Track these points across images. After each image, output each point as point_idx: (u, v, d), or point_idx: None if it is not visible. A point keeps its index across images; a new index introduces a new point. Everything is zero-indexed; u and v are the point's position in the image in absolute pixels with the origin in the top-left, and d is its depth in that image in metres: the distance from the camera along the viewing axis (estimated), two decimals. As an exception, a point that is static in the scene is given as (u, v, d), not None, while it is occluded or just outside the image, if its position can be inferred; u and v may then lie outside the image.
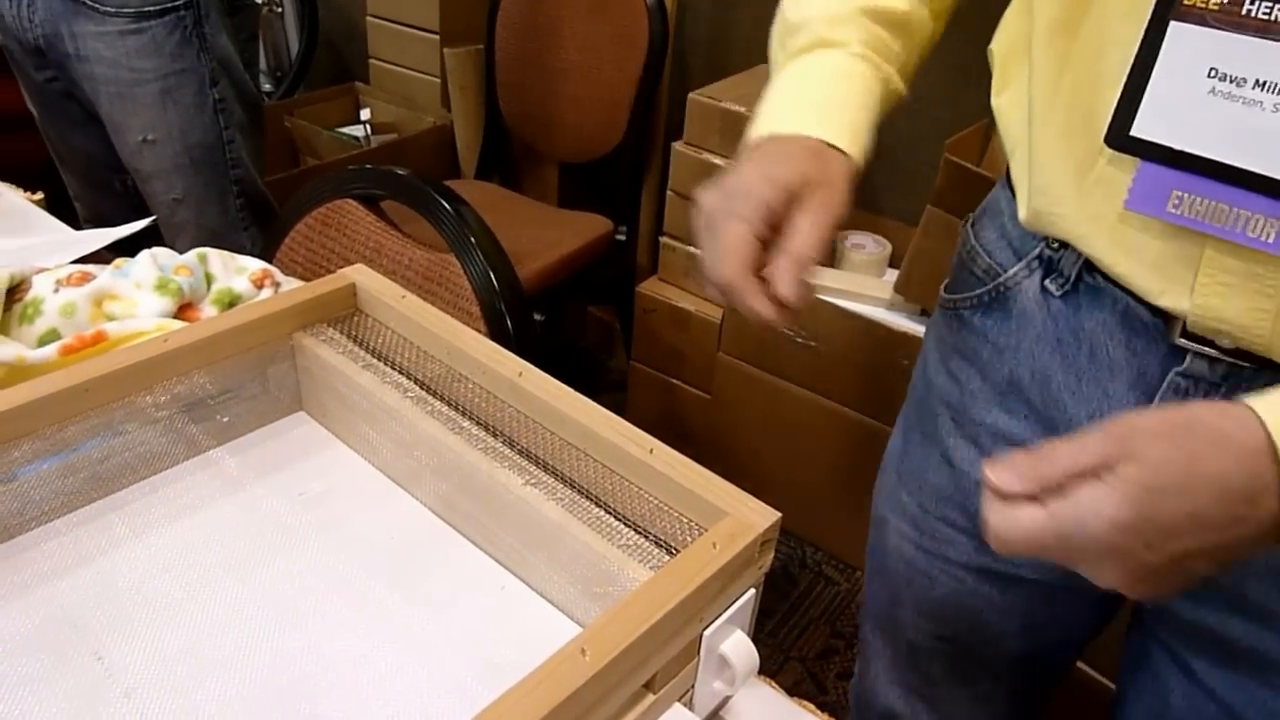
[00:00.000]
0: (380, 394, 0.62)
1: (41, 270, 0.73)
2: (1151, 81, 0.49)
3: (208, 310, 0.73)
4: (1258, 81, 0.45)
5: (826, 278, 1.77)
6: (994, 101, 0.62)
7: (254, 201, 1.39)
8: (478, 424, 0.60)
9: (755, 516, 0.51)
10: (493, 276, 0.76)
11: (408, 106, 2.29)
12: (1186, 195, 0.49)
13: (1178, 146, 0.48)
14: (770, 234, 0.54)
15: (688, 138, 1.80)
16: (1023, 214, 0.59)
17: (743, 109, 1.70)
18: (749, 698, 0.56)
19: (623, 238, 1.98)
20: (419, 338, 0.65)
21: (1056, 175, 0.55)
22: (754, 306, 0.53)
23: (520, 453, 0.58)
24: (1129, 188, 0.50)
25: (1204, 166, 0.48)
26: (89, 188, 1.48)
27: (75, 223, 1.58)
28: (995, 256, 0.64)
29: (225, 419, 0.65)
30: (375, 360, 0.65)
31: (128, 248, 1.39)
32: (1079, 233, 0.55)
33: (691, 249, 1.88)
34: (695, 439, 1.89)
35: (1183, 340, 0.53)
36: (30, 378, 0.57)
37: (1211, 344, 0.53)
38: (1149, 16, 0.48)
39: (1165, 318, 0.54)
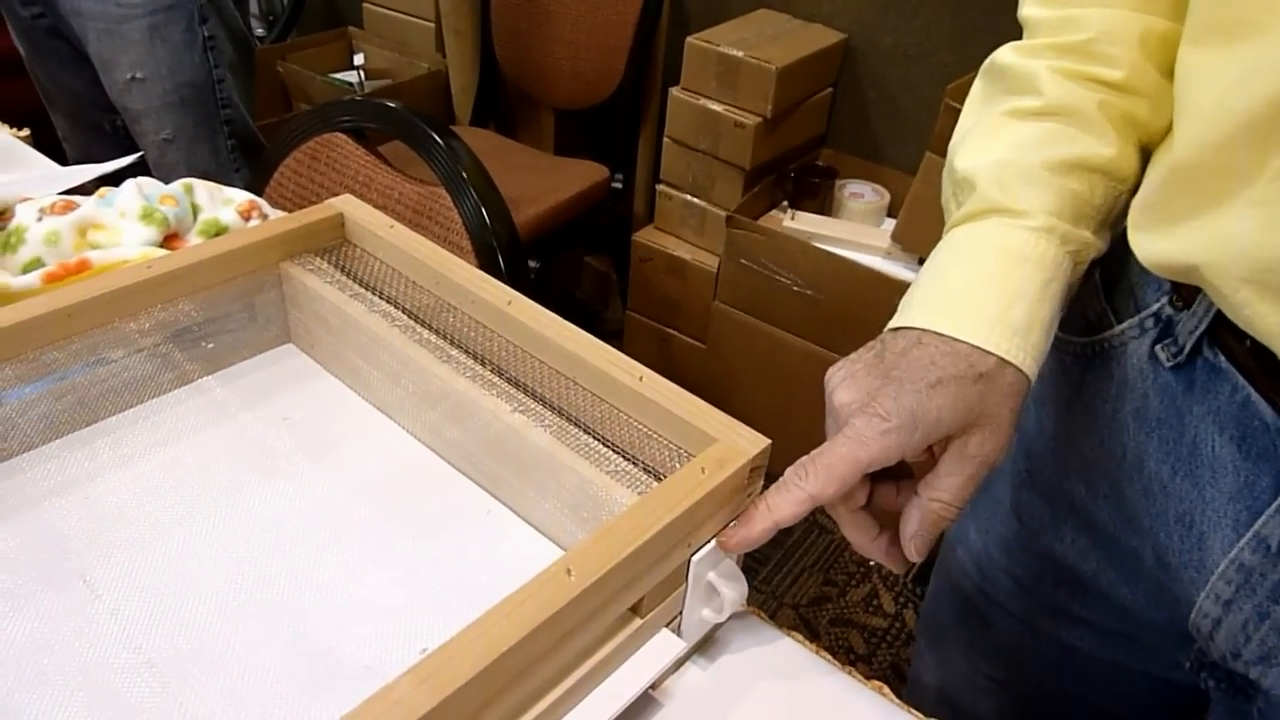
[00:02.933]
0: (368, 322, 0.61)
1: (25, 200, 0.72)
2: None
3: (193, 241, 0.72)
4: None
5: (824, 227, 1.76)
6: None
7: (245, 142, 1.38)
8: (466, 353, 0.60)
9: (745, 443, 0.51)
10: (485, 212, 0.75)
11: (402, 51, 2.26)
12: None
13: None
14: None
15: (685, 83, 1.77)
16: (1134, 238, 0.49)
17: (741, 53, 1.67)
18: (737, 628, 0.56)
19: (619, 185, 1.96)
20: (407, 267, 0.65)
21: (1194, 196, 0.44)
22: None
23: (509, 381, 0.58)
24: None
25: None
26: (78, 128, 1.46)
27: (64, 163, 1.57)
28: (1113, 300, 0.54)
29: (212, 347, 0.65)
30: (363, 290, 0.64)
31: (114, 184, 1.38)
32: (1206, 258, 0.43)
33: (689, 197, 1.86)
34: (691, 388, 1.89)
35: None
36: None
37: None
38: None
39: None
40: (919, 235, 1.62)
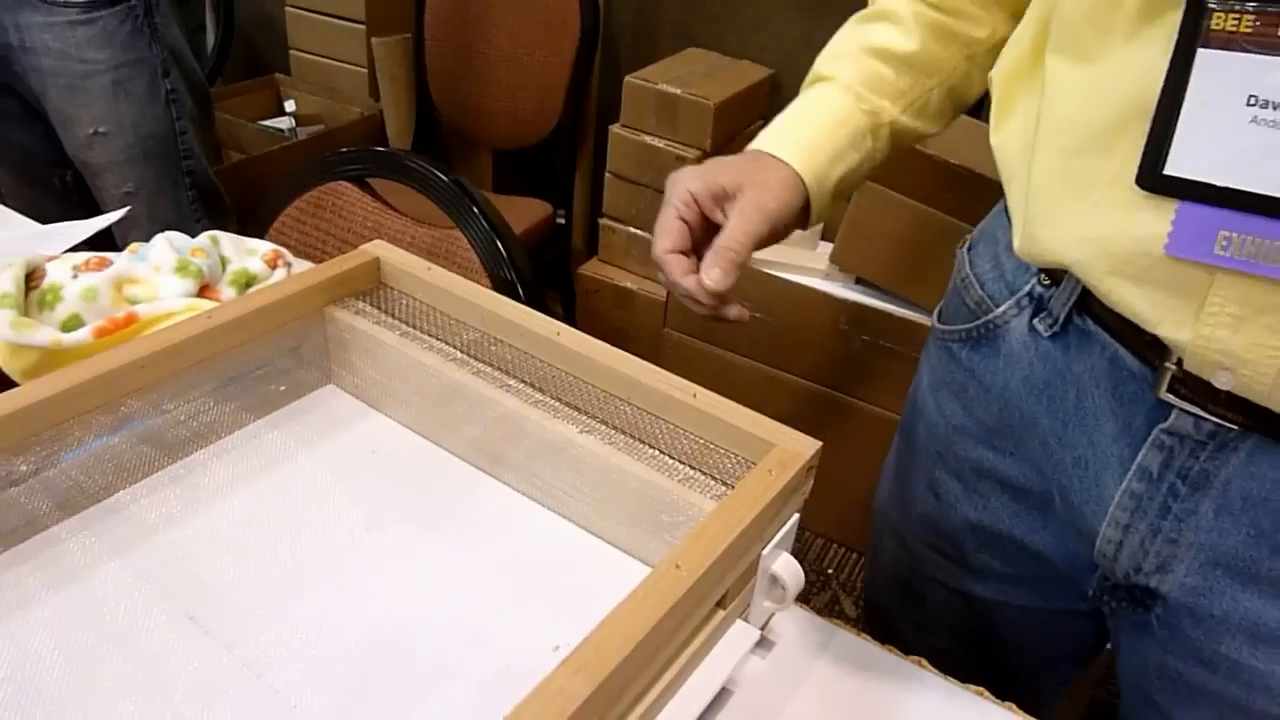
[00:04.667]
0: (422, 357, 0.65)
1: (51, 258, 0.73)
2: (1183, 115, 0.45)
3: (226, 291, 0.74)
4: None
5: (765, 252, 1.84)
6: (992, 140, 0.61)
7: (206, 193, 1.38)
8: (521, 381, 0.64)
9: (800, 446, 0.56)
10: (499, 244, 0.79)
11: (333, 97, 2.27)
12: (1236, 236, 0.44)
13: (1221, 183, 0.44)
14: (705, 225, 0.61)
15: (625, 120, 1.84)
16: (1017, 241, 0.57)
17: (678, 90, 1.75)
18: (785, 618, 0.62)
19: (562, 221, 2.01)
20: (450, 306, 0.68)
21: (1058, 200, 0.53)
22: (675, 280, 0.60)
23: (568, 405, 0.62)
24: (1168, 232, 0.46)
25: (1254, 203, 0.43)
26: (24, 184, 1.44)
27: (9, 222, 1.54)
28: (988, 288, 0.64)
29: (263, 392, 0.67)
30: (409, 328, 0.68)
31: (85, 244, 1.36)
32: (1075, 258, 0.52)
33: (633, 229, 1.93)
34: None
35: (1168, 395, 0.51)
36: (66, 362, 0.59)
37: (1198, 401, 0.50)
38: (1173, 44, 0.44)
39: (1153, 369, 0.52)
40: (856, 256, 1.72)
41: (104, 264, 0.72)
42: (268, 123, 2.26)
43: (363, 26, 2.13)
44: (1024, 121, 0.58)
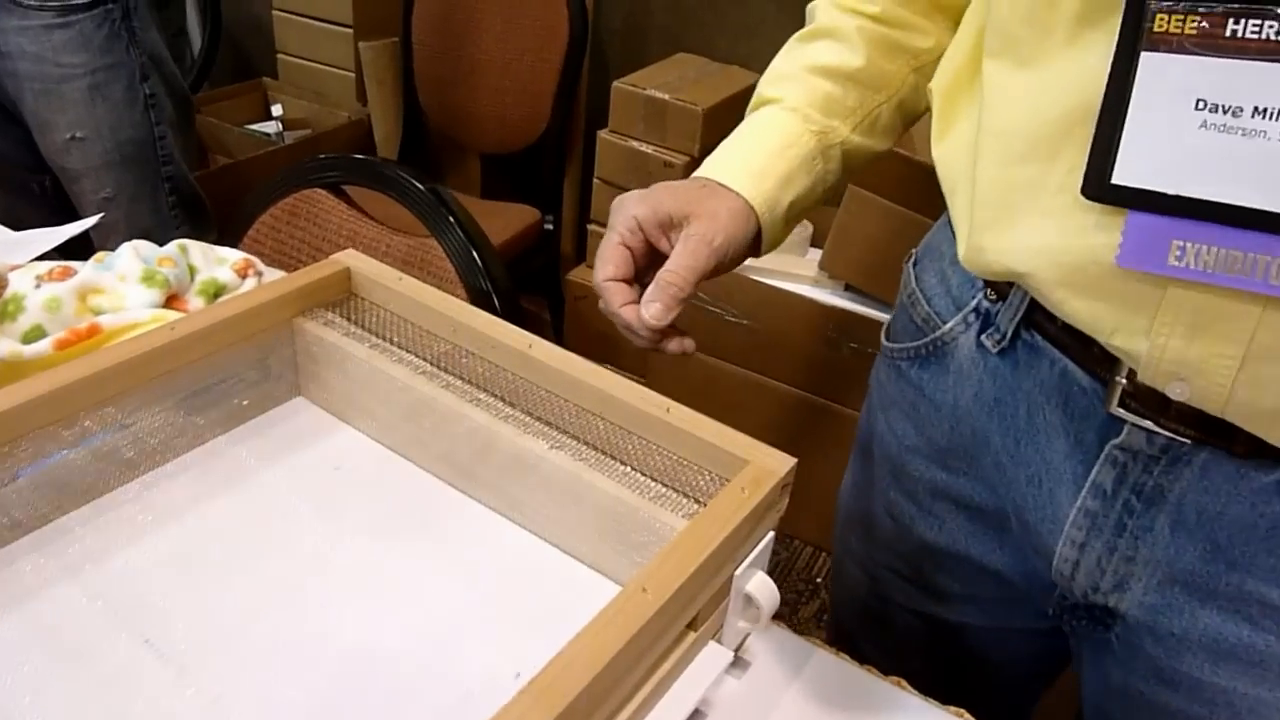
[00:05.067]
0: (391, 370, 0.63)
1: (15, 267, 0.72)
2: (1128, 121, 0.43)
3: (194, 301, 0.73)
4: (1257, 109, 0.40)
5: (753, 259, 1.83)
6: (934, 151, 0.60)
7: (186, 199, 1.37)
8: (492, 395, 0.62)
9: (775, 463, 0.55)
10: (475, 254, 0.78)
11: (320, 102, 2.26)
12: (1190, 245, 0.43)
13: (1172, 191, 0.42)
14: (650, 253, 0.59)
15: (613, 125, 1.83)
16: (962, 251, 0.56)
17: (666, 96, 1.74)
18: (762, 638, 0.60)
19: (550, 227, 2.00)
20: (421, 317, 0.67)
21: (1003, 209, 0.51)
22: (614, 311, 0.58)
23: (539, 420, 0.60)
24: (1119, 243, 0.44)
25: (1208, 211, 0.42)
26: (3, 190, 1.42)
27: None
28: (934, 304, 0.63)
29: (227, 404, 0.66)
30: (379, 340, 0.66)
31: (56, 252, 1.35)
32: (1024, 269, 0.50)
33: (620, 235, 1.91)
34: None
35: (1119, 410, 0.50)
36: (26, 374, 0.57)
37: (1150, 415, 0.49)
38: (1113, 48, 0.43)
39: (1104, 383, 0.51)
40: (845, 263, 1.70)
41: (68, 273, 0.70)
42: (254, 127, 2.25)
43: (350, 30, 2.12)
44: (966, 131, 0.57)
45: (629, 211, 0.58)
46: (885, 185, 1.57)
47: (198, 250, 0.75)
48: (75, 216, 1.36)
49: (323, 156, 0.86)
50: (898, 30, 0.64)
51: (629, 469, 0.57)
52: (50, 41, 1.16)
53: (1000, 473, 0.60)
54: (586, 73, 2.01)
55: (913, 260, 0.69)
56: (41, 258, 0.92)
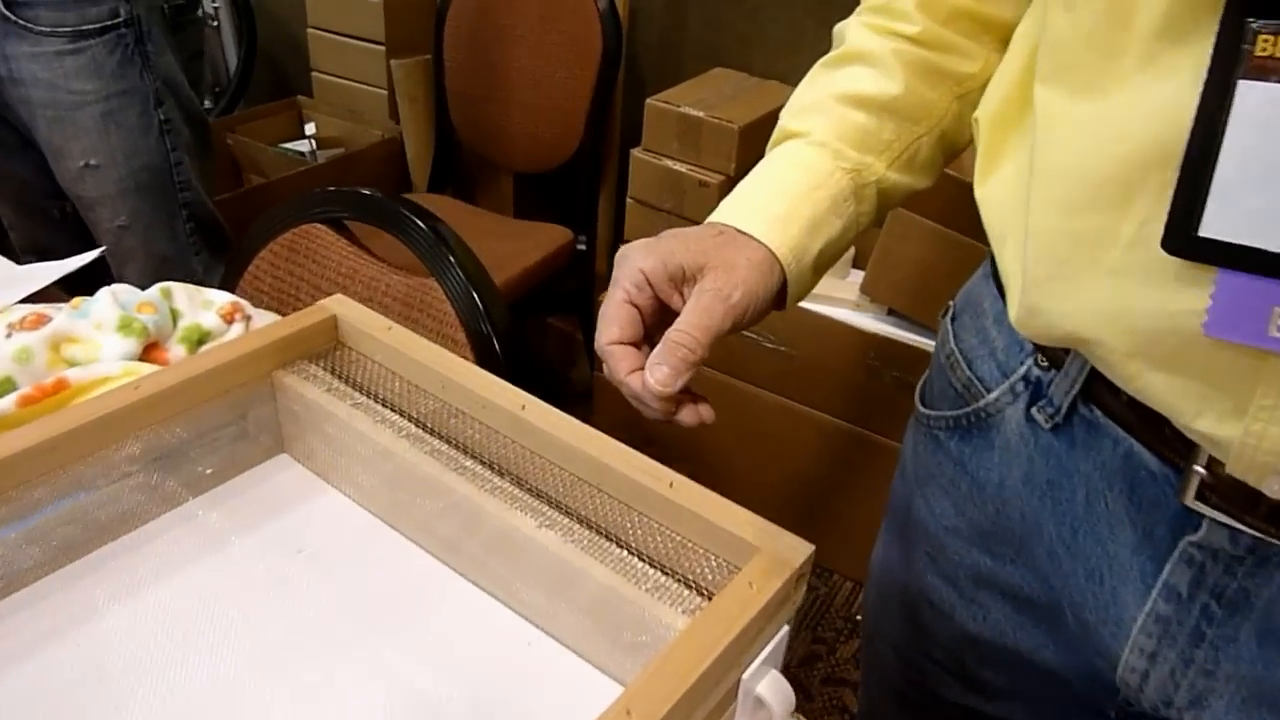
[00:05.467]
0: (373, 434, 0.58)
1: (-8, 312, 0.68)
2: (1221, 162, 0.36)
3: (175, 350, 0.68)
4: None
5: (792, 281, 1.75)
6: (978, 192, 0.53)
7: (205, 225, 1.34)
8: (480, 461, 0.57)
9: (789, 551, 0.49)
10: (475, 295, 0.73)
11: (354, 120, 2.23)
12: None
13: (1274, 248, 0.35)
14: (660, 311, 0.51)
15: (646, 144, 1.77)
16: (1014, 312, 0.48)
17: (701, 113, 1.68)
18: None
19: (583, 247, 1.94)
20: (409, 371, 0.62)
21: (1063, 265, 0.44)
22: (619, 379, 0.50)
23: (530, 491, 0.55)
24: (1206, 307, 0.37)
25: None
26: (24, 216, 1.40)
27: (11, 253, 1.51)
28: (976, 368, 0.55)
29: (203, 468, 0.61)
30: (363, 397, 0.61)
31: (76, 279, 1.33)
32: (1090, 335, 0.43)
33: (654, 256, 1.85)
34: (665, 448, 1.87)
35: (1197, 503, 0.43)
36: (-12, 433, 0.53)
37: (1235, 511, 0.42)
38: (1202, 75, 0.36)
39: (1177, 469, 0.44)
40: (887, 286, 1.63)
41: (42, 320, 0.66)
42: (288, 146, 2.23)
43: (382, 48, 2.09)
44: (1016, 170, 0.49)
45: (634, 265, 0.50)
46: (932, 206, 1.49)
47: (182, 294, 0.71)
48: (97, 243, 1.34)
49: (321, 190, 0.82)
50: (939, 53, 0.56)
51: (626, 553, 0.51)
52: (62, 68, 1.14)
53: (1054, 564, 0.52)
54: (621, 89, 1.96)
55: (950, 314, 0.61)
56: (45, 291, 0.88)
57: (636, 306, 0.51)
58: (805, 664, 1.67)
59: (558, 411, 0.57)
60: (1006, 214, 0.50)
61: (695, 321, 0.49)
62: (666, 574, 0.50)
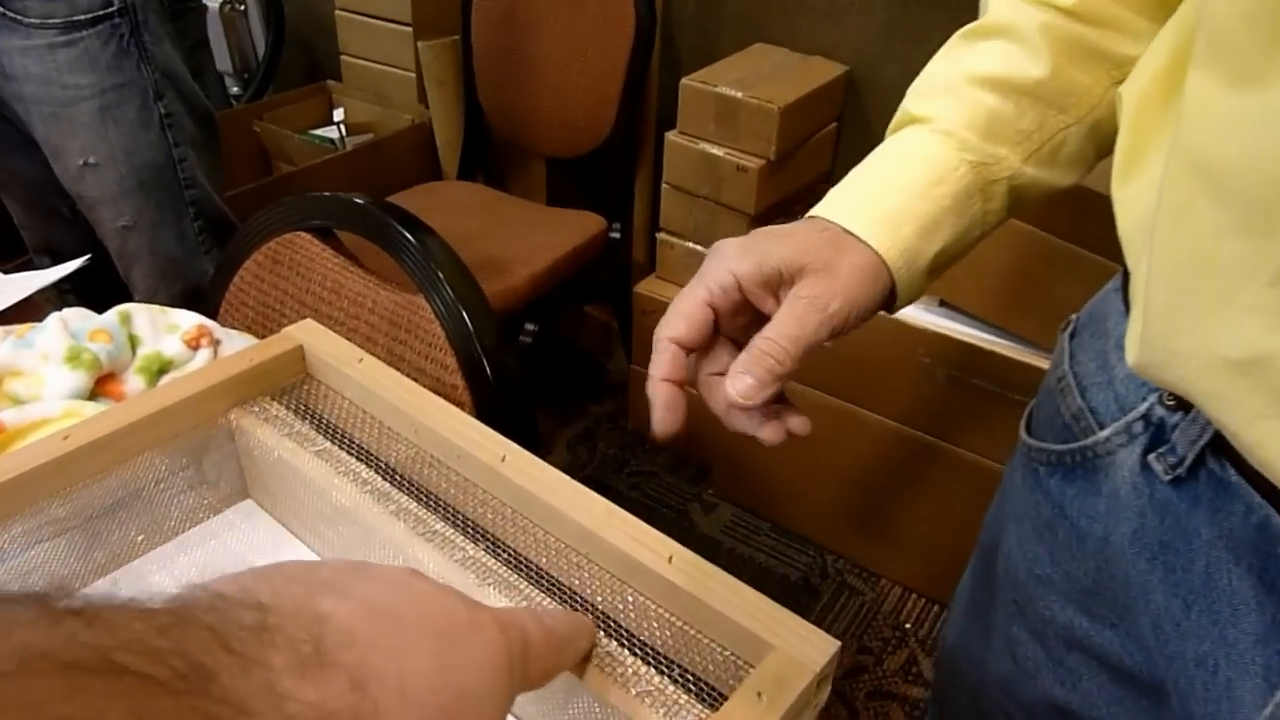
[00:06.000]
0: (333, 489, 0.51)
1: (-65, 341, 0.62)
2: None
3: (133, 382, 0.62)
4: None
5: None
6: (1116, 194, 0.45)
7: (214, 223, 1.28)
8: (454, 524, 0.49)
9: (808, 648, 0.40)
10: (465, 316, 0.65)
11: (383, 104, 2.16)
12: None
13: None
14: (749, 317, 0.44)
15: (682, 126, 1.68)
16: (1131, 352, 0.41)
17: (739, 94, 1.58)
18: None
19: (617, 235, 1.86)
20: (380, 411, 0.54)
21: (1190, 295, 0.37)
22: (654, 374, 0.44)
23: (506, 562, 0.47)
24: None
25: None
26: (34, 215, 1.36)
27: (24, 252, 1.47)
28: (1091, 397, 0.48)
29: (153, 520, 0.54)
30: (328, 443, 0.54)
31: (86, 285, 1.28)
32: (1210, 388, 0.36)
33: (691, 244, 1.76)
34: (703, 445, 1.79)
35: None
36: (-90, 485, 0.46)
37: None
38: None
39: None
40: (942, 278, 1.52)
41: (-16, 352, 0.60)
42: (317, 132, 2.17)
43: (410, 29, 2.02)
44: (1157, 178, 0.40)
45: (727, 265, 0.44)
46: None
47: (144, 317, 0.64)
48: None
49: (306, 195, 0.75)
50: (1097, 29, 0.48)
51: (615, 642, 0.43)
52: (55, 61, 1.08)
53: (1160, 640, 0.44)
54: (656, 69, 1.86)
55: (1069, 330, 0.53)
56: (33, 301, 0.83)
57: (715, 309, 0.44)
58: (850, 675, 1.58)
59: (542, 464, 0.49)
60: (1148, 224, 0.41)
61: (786, 331, 0.43)
62: (662, 672, 0.42)
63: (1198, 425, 0.40)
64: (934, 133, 0.47)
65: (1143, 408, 0.44)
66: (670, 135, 1.69)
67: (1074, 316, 0.53)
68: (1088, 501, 0.48)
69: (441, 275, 0.65)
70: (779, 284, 0.44)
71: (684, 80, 1.64)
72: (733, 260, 0.43)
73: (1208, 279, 0.35)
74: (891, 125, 0.51)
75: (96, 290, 1.08)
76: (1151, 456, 0.43)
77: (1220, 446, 0.40)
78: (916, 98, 0.50)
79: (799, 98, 1.58)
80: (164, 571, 0.54)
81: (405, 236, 0.67)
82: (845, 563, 1.76)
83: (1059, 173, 0.49)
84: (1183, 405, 0.42)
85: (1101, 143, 0.50)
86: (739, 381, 0.42)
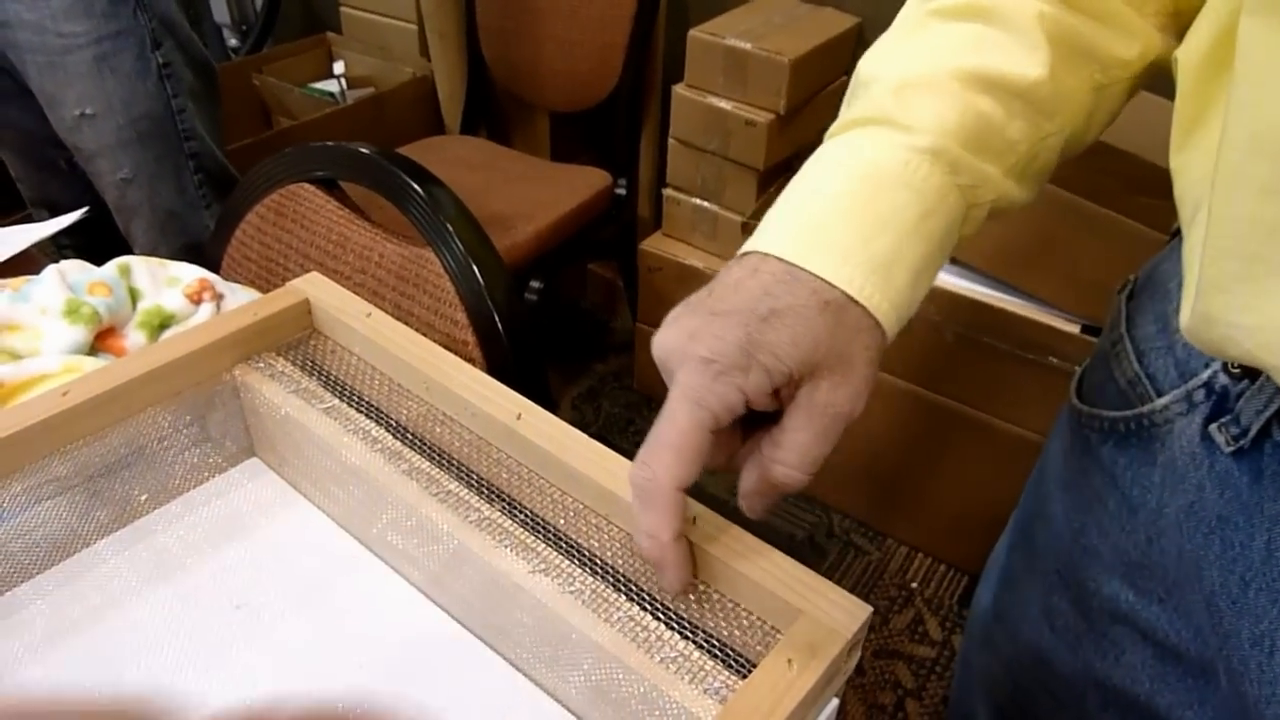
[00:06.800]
0: (343, 448, 0.49)
1: (-71, 295, 0.60)
2: None
3: (134, 336, 0.60)
4: None
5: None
6: (1174, 161, 0.41)
7: (214, 175, 1.25)
8: (468, 484, 0.47)
9: (838, 613, 0.39)
10: (476, 270, 0.63)
11: (384, 57, 2.12)
12: None
13: None
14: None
15: (689, 79, 1.64)
16: (1185, 317, 0.38)
17: (748, 45, 1.54)
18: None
19: (623, 191, 1.83)
20: (390, 368, 0.52)
21: (1251, 263, 0.34)
22: (663, 538, 0.38)
23: (523, 523, 0.45)
24: None
25: None
26: (31, 167, 1.33)
27: (22, 207, 1.44)
28: (1149, 363, 0.45)
29: (155, 480, 0.53)
30: (336, 399, 0.52)
31: (84, 238, 1.25)
32: (1275, 361, 0.34)
33: (698, 200, 1.74)
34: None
35: None
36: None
37: None
38: None
39: None
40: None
41: (-21, 306, 0.58)
42: (317, 85, 2.13)
43: (411, -22, 1.97)
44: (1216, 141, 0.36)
45: (734, 382, 0.37)
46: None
47: (144, 270, 0.62)
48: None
49: (311, 145, 0.72)
50: (1095, 24, 0.42)
51: (637, 607, 0.41)
52: (49, 8, 1.04)
53: (1214, 618, 0.42)
54: (662, 20, 1.82)
55: (1127, 291, 0.49)
56: (28, 255, 0.81)
57: (715, 435, 0.38)
58: (857, 635, 1.58)
59: (559, 422, 0.47)
60: (1204, 189, 0.37)
61: (806, 452, 0.38)
62: (687, 638, 0.40)
63: (1264, 394, 0.38)
64: (919, 151, 0.40)
65: (1205, 375, 0.41)
66: (677, 88, 1.65)
67: (1132, 278, 0.50)
68: (1141, 471, 0.45)
69: (451, 228, 0.63)
70: (786, 386, 0.38)
71: (691, 32, 1.60)
72: (737, 374, 0.37)
73: (1271, 243, 0.32)
74: (853, 117, 0.42)
75: (96, 245, 1.05)
76: (1213, 427, 0.41)
77: None
78: (890, 93, 0.41)
79: (809, 50, 1.55)
80: (169, 531, 0.52)
81: (413, 188, 0.64)
82: (851, 522, 1.75)
83: (1025, 189, 0.43)
84: (1249, 373, 0.39)
85: (1068, 156, 0.45)
86: (751, 503, 0.39)
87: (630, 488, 0.38)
